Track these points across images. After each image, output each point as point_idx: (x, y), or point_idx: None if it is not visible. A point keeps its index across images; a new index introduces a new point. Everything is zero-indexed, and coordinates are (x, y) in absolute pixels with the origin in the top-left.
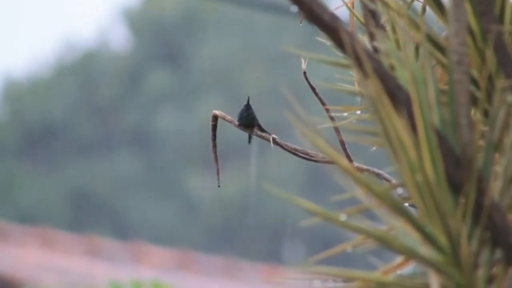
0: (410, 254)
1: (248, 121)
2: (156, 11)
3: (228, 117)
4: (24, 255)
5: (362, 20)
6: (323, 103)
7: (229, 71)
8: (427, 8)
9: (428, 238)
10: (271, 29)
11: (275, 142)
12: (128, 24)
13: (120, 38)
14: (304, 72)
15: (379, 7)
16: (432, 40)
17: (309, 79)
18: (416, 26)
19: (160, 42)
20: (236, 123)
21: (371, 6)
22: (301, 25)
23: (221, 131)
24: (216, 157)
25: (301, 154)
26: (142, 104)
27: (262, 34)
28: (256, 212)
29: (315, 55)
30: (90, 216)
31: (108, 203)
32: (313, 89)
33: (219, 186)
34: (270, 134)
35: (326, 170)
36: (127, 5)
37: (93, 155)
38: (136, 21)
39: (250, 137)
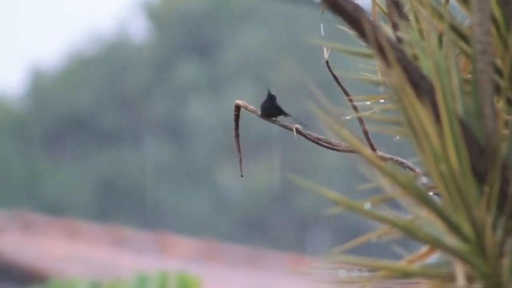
0: (435, 244)
1: (270, 111)
2: (178, 2)
3: (251, 107)
4: (49, 246)
5: (385, 9)
6: (346, 93)
7: (258, 61)
8: None
9: (453, 228)
10: (299, 20)
11: (297, 131)
12: (149, 15)
13: (142, 29)
14: (327, 62)
15: None
16: (455, 29)
17: (336, 70)
18: (439, 16)
19: (183, 33)
20: (259, 113)
21: None
22: (324, 15)
23: (252, 121)
24: (238, 146)
25: (324, 144)
26: (168, 95)
27: (291, 24)
28: (284, 203)
29: (338, 45)
30: (116, 207)
31: (134, 193)
32: (336, 79)
33: (241, 176)
34: (295, 123)
35: (354, 160)
36: None
37: (119, 146)
38: (157, 12)
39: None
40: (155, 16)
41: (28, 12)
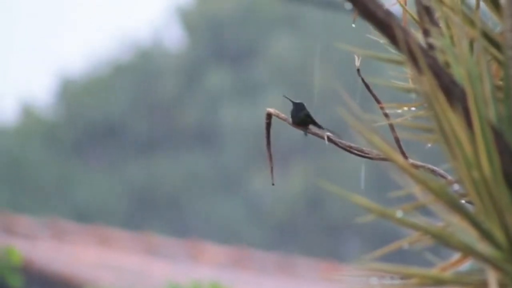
0: (467, 251)
1: (301, 119)
2: (211, 9)
3: (282, 115)
4: (81, 253)
5: (416, 16)
6: (377, 101)
7: (290, 68)
8: (481, 3)
9: (485, 235)
10: (331, 27)
11: (329, 139)
12: (183, 23)
13: (175, 36)
14: (358, 70)
15: (433, 3)
16: (487, 35)
17: (368, 76)
18: (470, 22)
19: (217, 41)
20: (290, 121)
21: (425, 2)
22: (354, 22)
23: (285, 129)
24: (270, 155)
25: (355, 151)
26: (201, 102)
27: (323, 31)
28: (315, 209)
29: (370, 53)
30: (147, 214)
31: (166, 201)
32: (367, 86)
33: (273, 184)
34: (325, 131)
35: (386, 168)
36: (182, 3)
37: (150, 153)
38: (191, 19)
39: (305, 134)
40: (188, 23)
41: (58, 19)
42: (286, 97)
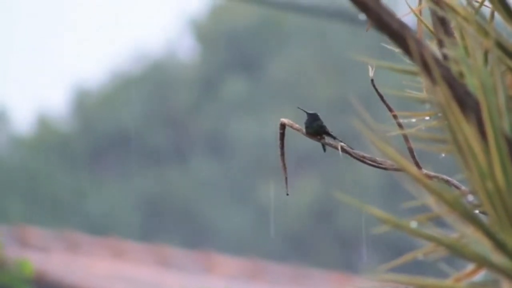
0: (481, 262)
1: (315, 129)
2: (224, 20)
3: (296, 126)
4: (94, 265)
5: (430, 27)
6: (390, 110)
7: (302, 79)
8: (496, 13)
9: (499, 245)
10: (344, 38)
11: (342, 149)
12: (196, 34)
13: (188, 48)
14: (372, 80)
15: (447, 14)
16: (501, 46)
17: (379, 87)
18: (485, 33)
19: (229, 52)
20: (304, 131)
21: (440, 13)
22: (368, 32)
23: (296, 139)
24: (284, 165)
25: (369, 162)
26: (214, 113)
27: (334, 43)
28: (327, 220)
29: (384, 63)
30: (160, 226)
31: (179, 212)
32: (381, 96)
33: (287, 195)
34: (339, 142)
35: (399, 178)
36: (195, 15)
37: (164, 164)
38: (204, 31)
39: (324, 146)
40: (201, 35)
41: (73, 32)
42: (300, 108)
